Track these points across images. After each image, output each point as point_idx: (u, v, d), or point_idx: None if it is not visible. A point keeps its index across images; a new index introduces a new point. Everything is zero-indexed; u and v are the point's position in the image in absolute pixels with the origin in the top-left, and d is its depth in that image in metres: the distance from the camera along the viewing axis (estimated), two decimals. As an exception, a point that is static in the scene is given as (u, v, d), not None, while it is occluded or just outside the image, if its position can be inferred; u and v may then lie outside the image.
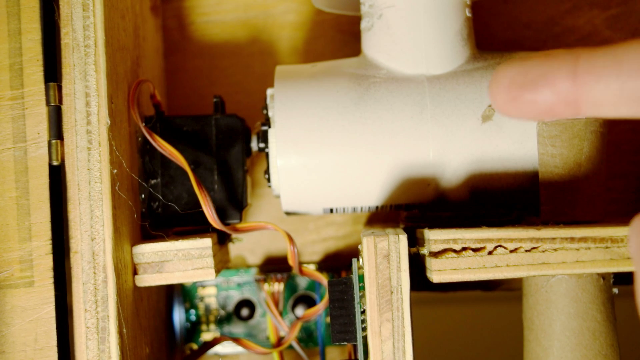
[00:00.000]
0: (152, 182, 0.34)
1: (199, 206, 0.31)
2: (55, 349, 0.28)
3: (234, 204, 0.34)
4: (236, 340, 0.36)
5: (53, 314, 0.28)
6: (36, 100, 0.29)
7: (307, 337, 0.41)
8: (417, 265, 0.31)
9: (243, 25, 0.42)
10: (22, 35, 0.29)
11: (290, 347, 0.39)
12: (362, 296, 0.29)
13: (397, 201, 0.34)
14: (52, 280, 0.28)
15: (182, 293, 0.41)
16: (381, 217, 0.42)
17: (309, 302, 0.41)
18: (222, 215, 0.34)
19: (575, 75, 0.21)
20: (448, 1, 0.33)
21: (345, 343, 0.30)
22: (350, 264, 0.30)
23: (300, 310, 0.40)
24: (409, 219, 0.34)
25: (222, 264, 0.35)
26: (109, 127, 0.29)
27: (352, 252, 0.41)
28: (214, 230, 0.33)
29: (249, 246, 0.42)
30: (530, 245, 0.28)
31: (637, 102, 0.20)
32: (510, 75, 0.23)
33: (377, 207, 0.34)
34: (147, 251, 0.30)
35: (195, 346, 0.41)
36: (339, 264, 0.41)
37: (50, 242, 0.28)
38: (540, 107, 0.22)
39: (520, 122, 0.32)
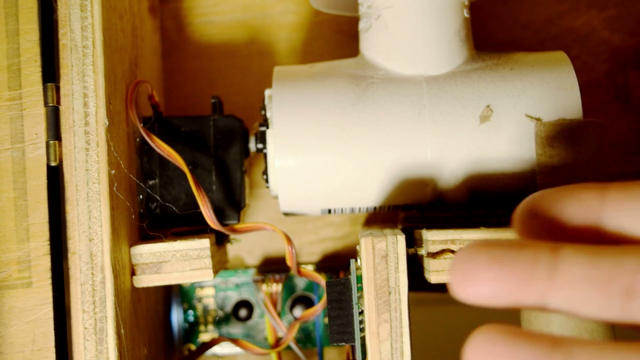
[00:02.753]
0: (150, 182, 0.34)
1: (197, 207, 0.31)
2: (53, 350, 0.28)
3: (232, 204, 0.34)
4: (234, 341, 0.36)
5: (51, 314, 0.28)
6: (34, 100, 0.29)
7: (305, 337, 0.41)
8: (415, 266, 0.31)
9: (241, 26, 0.42)
10: (20, 36, 0.29)
11: (289, 347, 0.39)
12: (360, 297, 0.29)
13: (395, 202, 0.34)
14: (50, 281, 0.28)
15: (180, 294, 0.41)
16: (379, 218, 0.42)
17: (307, 303, 0.41)
18: (220, 216, 0.34)
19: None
20: (446, 2, 0.33)
21: (344, 344, 0.30)
22: (349, 265, 0.30)
23: (298, 311, 0.40)
24: (407, 219, 0.34)
25: (220, 264, 0.35)
26: (107, 127, 0.29)
27: (350, 253, 0.41)
28: (212, 230, 0.33)
29: (247, 247, 0.42)
30: (528, 245, 0.28)
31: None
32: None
33: (375, 208, 0.34)
34: (145, 252, 0.30)
35: (193, 347, 0.41)
36: (337, 264, 0.41)
37: (48, 242, 0.28)
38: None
39: (518, 123, 0.32)
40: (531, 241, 0.22)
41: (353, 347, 0.34)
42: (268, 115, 0.34)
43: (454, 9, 0.33)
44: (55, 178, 0.29)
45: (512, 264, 0.21)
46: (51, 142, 0.28)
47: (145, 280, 0.30)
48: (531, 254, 0.21)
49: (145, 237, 0.33)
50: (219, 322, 0.41)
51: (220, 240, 0.35)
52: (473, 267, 0.21)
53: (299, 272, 0.36)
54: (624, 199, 0.22)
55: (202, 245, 0.30)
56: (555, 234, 0.23)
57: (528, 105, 0.32)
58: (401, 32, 0.33)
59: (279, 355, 0.37)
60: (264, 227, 0.33)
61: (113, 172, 0.29)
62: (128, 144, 0.32)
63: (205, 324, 0.41)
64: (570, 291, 0.20)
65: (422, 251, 0.30)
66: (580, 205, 0.23)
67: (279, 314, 0.38)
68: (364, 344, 0.29)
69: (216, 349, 0.40)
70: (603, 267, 0.20)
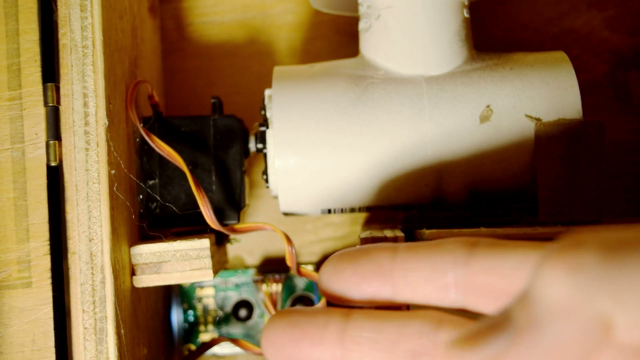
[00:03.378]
0: (150, 182, 0.34)
1: (197, 207, 0.31)
2: (53, 350, 0.28)
3: (232, 204, 0.34)
4: (234, 341, 0.36)
5: (51, 314, 0.28)
6: (34, 100, 0.29)
7: (305, 337, 0.41)
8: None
9: (241, 26, 0.42)
10: (20, 36, 0.29)
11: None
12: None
13: (395, 202, 0.34)
14: (49, 281, 0.28)
15: (180, 294, 0.41)
16: (379, 218, 0.42)
17: (307, 303, 0.41)
18: (220, 216, 0.34)
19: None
20: (446, 2, 0.33)
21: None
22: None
23: (298, 311, 0.40)
24: (407, 219, 0.34)
25: (220, 264, 0.35)
26: (107, 127, 0.29)
27: (350, 253, 0.41)
28: (212, 231, 0.33)
29: (247, 247, 0.42)
30: (528, 245, 0.28)
31: None
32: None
33: (375, 208, 0.34)
34: (145, 252, 0.30)
35: (193, 347, 0.41)
36: (337, 264, 0.41)
37: (48, 242, 0.28)
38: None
39: (518, 123, 0.32)
40: (326, 307, 0.24)
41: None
42: (268, 115, 0.34)
43: (454, 9, 0.33)
44: (55, 178, 0.29)
45: (304, 328, 0.23)
46: (51, 142, 0.28)
47: (145, 280, 0.30)
48: (323, 318, 0.23)
49: (145, 237, 0.33)
50: (218, 322, 0.41)
51: (220, 240, 0.35)
52: (273, 332, 0.24)
53: (299, 272, 0.36)
54: (411, 258, 0.23)
55: (202, 245, 0.30)
56: (351, 297, 0.24)
57: (528, 105, 0.32)
58: (401, 32, 0.33)
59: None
60: (264, 227, 0.33)
61: (113, 172, 0.29)
62: (128, 144, 0.32)
63: (205, 324, 0.41)
64: (359, 353, 0.22)
65: (422, 251, 0.30)
66: (373, 266, 0.24)
67: (279, 314, 0.38)
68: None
69: (216, 349, 0.40)
70: (388, 332, 0.22)
